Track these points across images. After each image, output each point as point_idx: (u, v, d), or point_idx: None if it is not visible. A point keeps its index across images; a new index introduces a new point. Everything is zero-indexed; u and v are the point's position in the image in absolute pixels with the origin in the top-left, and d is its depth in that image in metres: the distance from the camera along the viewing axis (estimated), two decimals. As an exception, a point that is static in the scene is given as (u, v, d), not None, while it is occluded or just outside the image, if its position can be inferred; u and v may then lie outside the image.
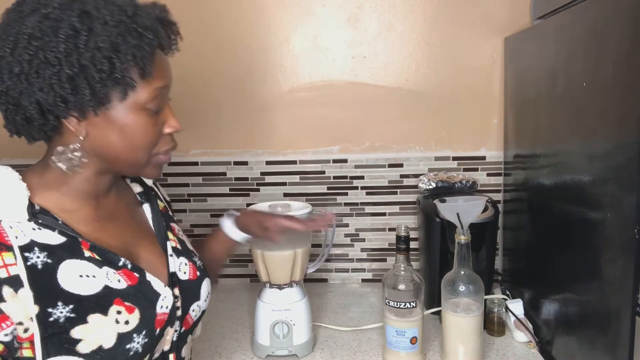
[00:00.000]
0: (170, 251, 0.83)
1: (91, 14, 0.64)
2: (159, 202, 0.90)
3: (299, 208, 1.15)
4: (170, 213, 0.93)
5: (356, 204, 1.53)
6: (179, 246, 0.86)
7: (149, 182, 0.91)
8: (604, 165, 0.86)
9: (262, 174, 1.52)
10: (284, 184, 1.52)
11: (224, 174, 1.53)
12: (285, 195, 1.52)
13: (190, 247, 0.90)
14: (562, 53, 1.02)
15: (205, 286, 0.86)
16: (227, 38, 1.47)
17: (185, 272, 0.83)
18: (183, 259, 0.84)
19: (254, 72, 1.48)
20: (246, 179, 1.53)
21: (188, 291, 0.82)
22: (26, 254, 0.64)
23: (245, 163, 1.52)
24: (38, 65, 0.63)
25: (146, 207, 0.87)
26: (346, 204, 1.53)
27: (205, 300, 0.86)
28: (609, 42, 0.83)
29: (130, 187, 0.87)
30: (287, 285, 1.15)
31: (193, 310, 0.83)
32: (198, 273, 0.85)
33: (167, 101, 0.75)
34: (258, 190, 1.53)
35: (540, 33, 1.17)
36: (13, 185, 0.67)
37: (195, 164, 1.52)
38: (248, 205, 1.25)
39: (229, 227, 1.00)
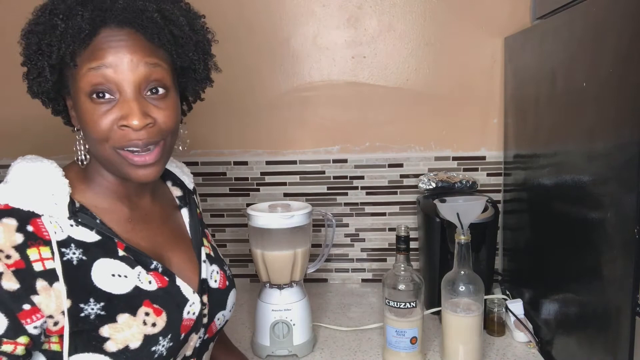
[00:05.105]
0: (204, 257, 0.83)
1: None
2: (197, 209, 0.90)
3: (299, 208, 1.15)
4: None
5: (356, 204, 1.53)
6: (212, 253, 0.86)
7: (191, 186, 0.91)
8: (604, 165, 0.86)
9: (262, 174, 1.52)
10: (284, 184, 1.53)
11: (224, 174, 1.53)
12: (285, 195, 1.52)
13: (221, 256, 0.90)
14: (562, 53, 1.02)
15: (232, 297, 0.87)
16: (227, 38, 1.46)
17: (216, 281, 0.83)
18: (215, 267, 0.85)
19: (254, 72, 1.48)
20: (246, 179, 1.53)
21: (216, 300, 0.82)
22: (63, 249, 0.65)
23: (245, 163, 1.52)
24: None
25: (184, 212, 0.86)
26: (346, 204, 1.53)
27: (230, 311, 0.86)
28: (609, 42, 0.83)
29: (169, 190, 0.87)
30: (287, 285, 1.15)
31: (218, 319, 0.83)
32: (227, 283, 0.86)
33: (139, 96, 0.67)
34: (258, 190, 1.53)
35: (540, 33, 1.16)
36: (56, 182, 0.68)
37: (195, 164, 1.52)
38: (248, 205, 1.24)
39: None
